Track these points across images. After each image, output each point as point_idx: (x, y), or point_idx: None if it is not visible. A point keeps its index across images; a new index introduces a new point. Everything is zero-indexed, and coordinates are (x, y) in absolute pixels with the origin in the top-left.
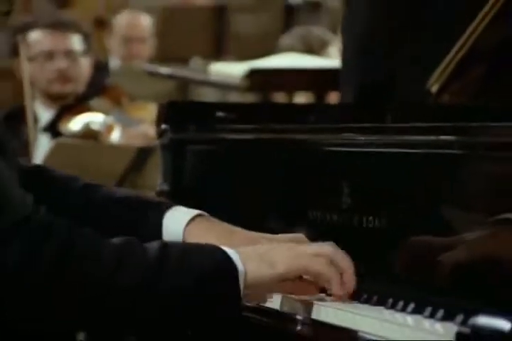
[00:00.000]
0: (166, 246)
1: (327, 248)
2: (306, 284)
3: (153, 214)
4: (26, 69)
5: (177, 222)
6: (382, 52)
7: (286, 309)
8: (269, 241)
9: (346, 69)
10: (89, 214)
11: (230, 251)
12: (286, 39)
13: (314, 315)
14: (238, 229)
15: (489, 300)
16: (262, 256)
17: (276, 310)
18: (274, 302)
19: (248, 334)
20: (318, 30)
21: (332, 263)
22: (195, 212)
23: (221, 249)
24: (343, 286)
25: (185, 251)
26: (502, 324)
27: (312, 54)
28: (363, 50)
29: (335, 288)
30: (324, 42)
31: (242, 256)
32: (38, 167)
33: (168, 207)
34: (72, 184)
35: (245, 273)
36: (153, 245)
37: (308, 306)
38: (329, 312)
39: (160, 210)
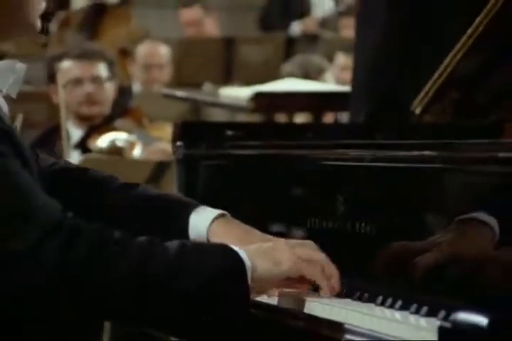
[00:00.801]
0: (184, 246)
1: (319, 255)
2: (300, 282)
3: (180, 213)
4: (62, 94)
5: (201, 221)
6: (388, 78)
7: (283, 305)
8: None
9: (356, 91)
10: (124, 211)
11: (239, 250)
12: (287, 66)
13: (308, 310)
14: (254, 230)
15: (468, 298)
16: (267, 255)
17: (275, 306)
18: (272, 298)
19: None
20: (316, 59)
21: (322, 270)
22: (218, 212)
23: (231, 248)
24: (330, 289)
25: (200, 250)
26: (480, 319)
27: (310, 79)
28: (372, 74)
29: (324, 290)
30: (321, 69)
31: (250, 254)
32: (78, 167)
33: (194, 206)
34: (110, 183)
35: (253, 269)
36: (172, 244)
37: (303, 302)
38: (323, 308)
39: (187, 209)
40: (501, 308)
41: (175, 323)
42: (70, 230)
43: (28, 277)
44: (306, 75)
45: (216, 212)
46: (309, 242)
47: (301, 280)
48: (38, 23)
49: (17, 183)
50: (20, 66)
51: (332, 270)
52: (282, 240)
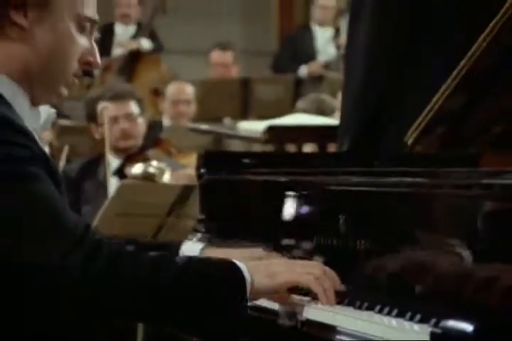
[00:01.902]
0: (191, 259)
1: (317, 268)
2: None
3: (172, 244)
4: (107, 131)
5: (192, 249)
6: (372, 111)
7: (284, 309)
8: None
9: (343, 124)
10: None
11: (241, 264)
12: (301, 103)
13: (309, 315)
14: (239, 250)
15: (456, 308)
16: (265, 269)
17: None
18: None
19: (252, 331)
20: (328, 98)
21: (319, 280)
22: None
23: (234, 263)
24: (327, 299)
25: (206, 263)
26: (466, 326)
27: (324, 116)
28: (357, 109)
29: (321, 300)
30: (333, 107)
31: (249, 268)
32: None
33: (180, 242)
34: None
35: (251, 282)
36: (181, 258)
37: (301, 307)
38: (327, 314)
39: (175, 245)
40: (485, 317)
41: (183, 324)
42: (91, 245)
43: (57, 284)
44: (321, 112)
45: (202, 243)
46: (314, 262)
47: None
48: (65, 91)
49: (50, 205)
50: (52, 111)
51: (327, 282)
52: (282, 258)
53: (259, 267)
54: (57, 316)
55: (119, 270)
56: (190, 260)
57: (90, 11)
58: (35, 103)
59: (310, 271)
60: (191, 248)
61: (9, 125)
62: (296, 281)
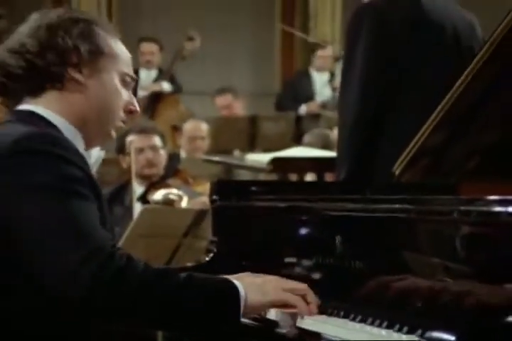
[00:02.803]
0: (192, 275)
1: (301, 287)
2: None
3: None
4: (133, 160)
5: None
6: (363, 145)
7: (278, 318)
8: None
9: (340, 157)
10: None
11: (236, 282)
12: (307, 138)
13: (308, 326)
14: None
15: (440, 320)
16: (258, 288)
17: (273, 320)
18: (271, 314)
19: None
20: (330, 133)
21: (303, 298)
22: None
23: (230, 280)
24: (309, 312)
25: (205, 279)
26: (448, 336)
27: (328, 149)
28: (351, 143)
29: (304, 313)
30: (334, 141)
31: (244, 286)
32: None
33: None
34: None
35: (245, 299)
36: (183, 274)
37: (294, 317)
38: (325, 327)
39: None
40: (465, 328)
41: (182, 329)
42: (107, 255)
43: (69, 288)
44: (326, 146)
45: None
46: (303, 284)
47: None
48: (114, 135)
49: (83, 219)
50: (102, 152)
51: (312, 299)
52: (275, 278)
53: (253, 285)
54: (65, 318)
55: (125, 279)
56: (192, 275)
57: (130, 69)
58: (88, 145)
59: (295, 288)
60: None
61: (70, 147)
62: (285, 299)
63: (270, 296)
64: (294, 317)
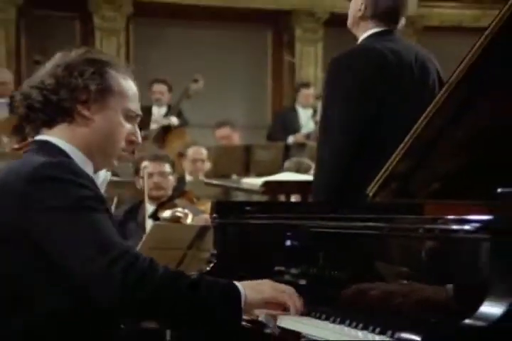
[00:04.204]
0: (202, 277)
1: (289, 289)
2: (275, 305)
3: None
4: (145, 183)
5: None
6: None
7: (264, 319)
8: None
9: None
10: None
11: (237, 283)
12: (286, 164)
13: (281, 324)
14: None
15: (407, 322)
16: (255, 287)
17: (259, 320)
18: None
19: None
20: (306, 160)
21: (290, 297)
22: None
23: (232, 282)
24: (296, 310)
25: (212, 280)
26: (415, 337)
27: (301, 174)
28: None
29: (292, 310)
30: (309, 167)
31: (244, 287)
32: None
33: None
34: None
35: (245, 296)
36: (193, 275)
37: (276, 318)
38: (310, 328)
39: None
40: (429, 330)
41: (194, 324)
42: (131, 258)
43: (104, 287)
44: (298, 170)
45: None
46: (290, 287)
47: (277, 304)
48: (116, 162)
49: (103, 229)
50: (108, 173)
51: (297, 298)
52: (268, 280)
53: (251, 285)
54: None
55: (148, 278)
56: (202, 276)
57: (135, 105)
58: (96, 169)
59: (284, 290)
60: None
61: (81, 173)
62: (277, 297)
63: (265, 294)
64: (277, 318)
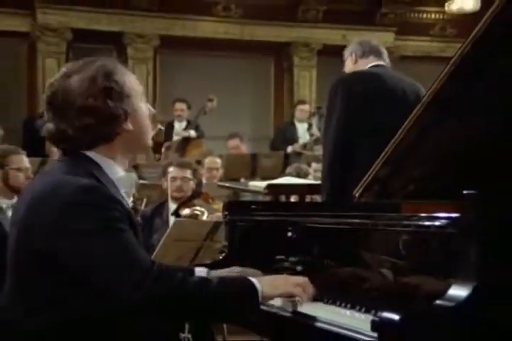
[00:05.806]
0: (223, 279)
1: (303, 281)
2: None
3: (190, 271)
4: (169, 186)
5: (201, 272)
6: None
7: (282, 305)
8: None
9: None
10: None
11: (255, 280)
12: (288, 169)
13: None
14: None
15: (388, 303)
16: (270, 283)
17: (279, 306)
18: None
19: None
20: (304, 166)
21: (304, 289)
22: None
23: (250, 280)
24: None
25: (233, 280)
26: (394, 316)
27: (300, 178)
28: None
29: (304, 301)
30: (307, 172)
31: (260, 282)
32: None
33: (193, 267)
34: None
35: (262, 292)
36: (214, 279)
37: (294, 304)
38: (309, 309)
39: (191, 269)
40: (407, 309)
41: (221, 318)
42: (157, 271)
43: (135, 299)
44: (298, 175)
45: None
46: (304, 278)
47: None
48: (150, 148)
49: (129, 247)
50: (134, 175)
51: (309, 290)
52: (283, 276)
53: (267, 282)
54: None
55: (176, 289)
56: (223, 279)
57: (137, 85)
58: (131, 162)
59: (299, 283)
60: (201, 271)
61: (109, 196)
62: (291, 292)
63: (280, 290)
64: (293, 304)
